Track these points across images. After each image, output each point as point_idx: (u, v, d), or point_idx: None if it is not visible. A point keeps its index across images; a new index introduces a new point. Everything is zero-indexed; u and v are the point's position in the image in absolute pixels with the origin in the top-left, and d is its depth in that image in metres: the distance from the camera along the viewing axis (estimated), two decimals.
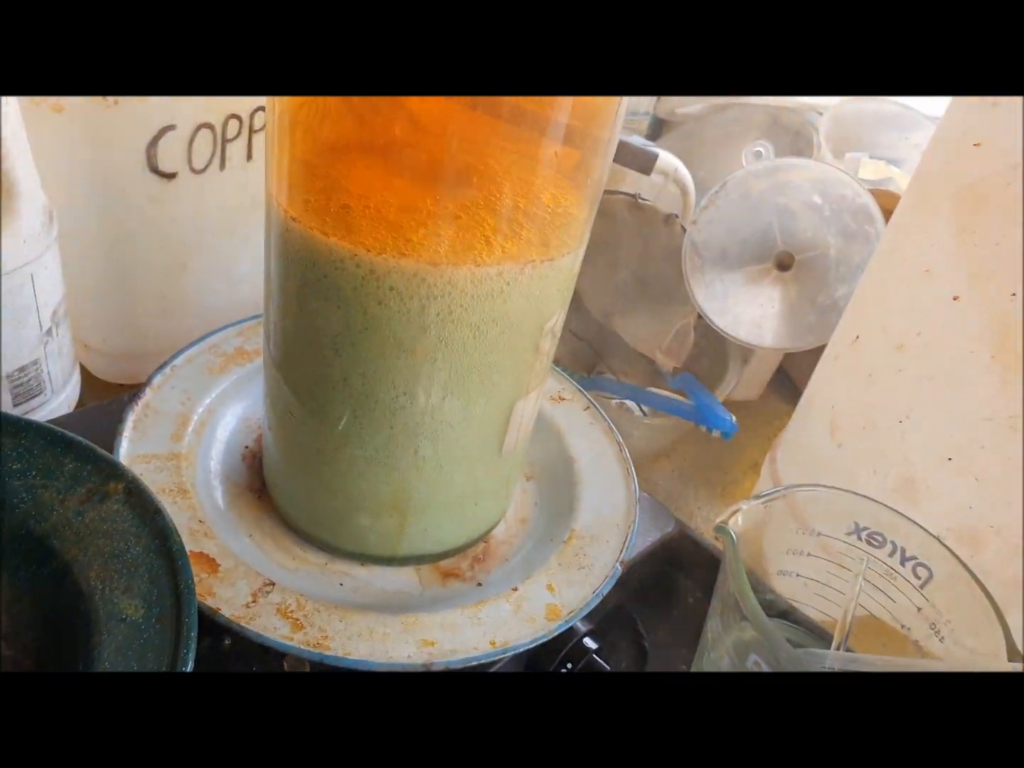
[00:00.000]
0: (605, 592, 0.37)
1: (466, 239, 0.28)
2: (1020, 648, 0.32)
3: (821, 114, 0.78)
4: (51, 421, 0.43)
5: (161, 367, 0.42)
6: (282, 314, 0.33)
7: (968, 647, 0.36)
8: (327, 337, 0.31)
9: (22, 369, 0.44)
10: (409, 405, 0.32)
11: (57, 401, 0.48)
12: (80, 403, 0.51)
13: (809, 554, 0.44)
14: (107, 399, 0.49)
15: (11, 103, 0.38)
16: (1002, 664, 0.32)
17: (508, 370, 0.33)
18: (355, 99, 0.29)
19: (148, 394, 0.40)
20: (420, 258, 0.28)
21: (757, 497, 0.41)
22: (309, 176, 0.30)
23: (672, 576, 0.50)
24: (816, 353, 0.61)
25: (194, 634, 0.29)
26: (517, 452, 0.38)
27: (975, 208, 0.38)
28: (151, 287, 0.51)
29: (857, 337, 0.44)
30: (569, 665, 0.39)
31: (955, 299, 0.39)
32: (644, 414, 0.60)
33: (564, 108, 0.28)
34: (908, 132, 0.81)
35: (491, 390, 0.33)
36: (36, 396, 0.46)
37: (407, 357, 0.30)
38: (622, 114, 0.31)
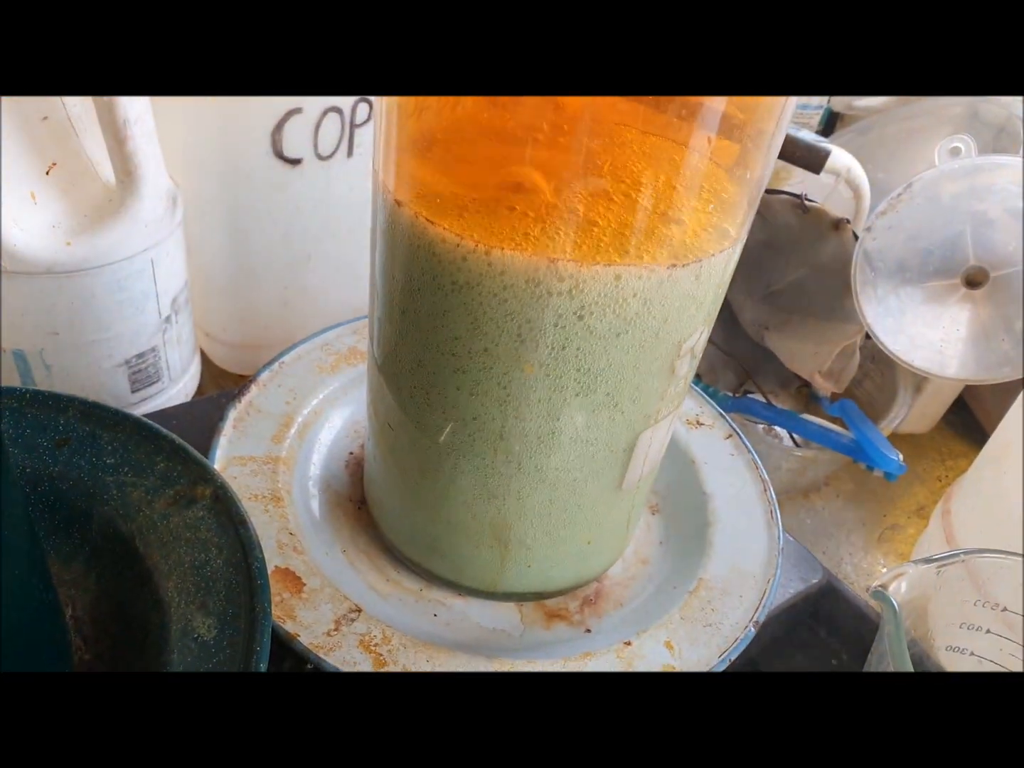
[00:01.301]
0: (733, 657, 0.32)
1: (594, 235, 0.24)
2: None
3: None
4: (163, 411, 0.42)
5: (269, 363, 0.40)
6: (386, 312, 0.29)
7: None
8: (431, 339, 0.27)
9: (140, 356, 0.44)
10: (515, 424, 0.28)
11: (175, 389, 0.47)
12: (199, 392, 0.50)
13: (988, 631, 0.37)
14: (219, 391, 0.48)
15: None
16: None
17: (635, 393, 0.28)
18: None
19: (253, 391, 0.38)
20: (538, 252, 0.24)
21: (928, 560, 0.34)
22: (422, 160, 0.26)
23: (814, 632, 0.44)
24: (1005, 386, 0.52)
25: (263, 666, 0.26)
26: (641, 488, 0.33)
27: None
28: (273, 277, 0.49)
29: None
30: None
31: None
32: (796, 444, 0.53)
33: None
34: None
35: (613, 415, 0.28)
36: (154, 383, 0.46)
37: (516, 367, 0.26)
38: (791, 106, 0.26)
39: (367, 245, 0.53)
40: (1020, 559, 0.34)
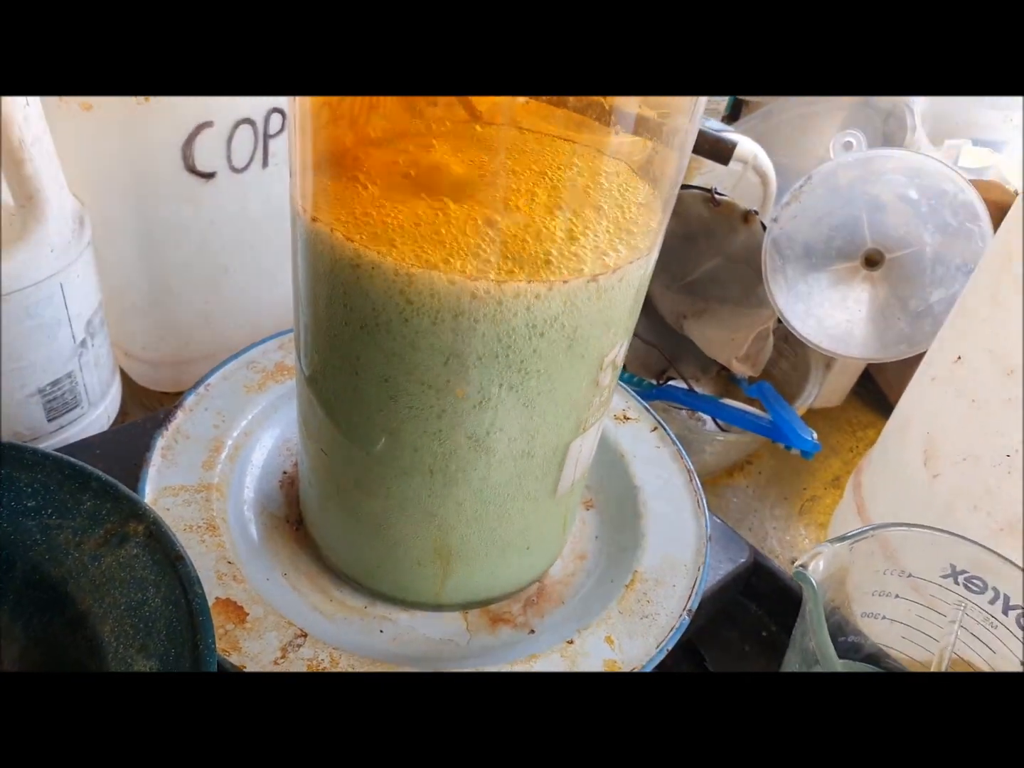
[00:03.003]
0: (671, 647, 0.33)
1: (512, 249, 0.24)
2: None
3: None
4: (84, 441, 0.41)
5: (194, 386, 0.39)
6: (311, 326, 0.29)
7: None
8: (355, 357, 0.27)
9: (55, 383, 0.42)
10: (448, 440, 0.28)
11: (96, 413, 0.46)
12: (122, 412, 0.49)
13: (898, 596, 0.39)
14: (144, 415, 0.46)
15: (32, 104, 0.36)
16: None
17: (563, 408, 0.29)
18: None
19: (179, 417, 0.37)
20: (456, 270, 0.24)
21: (842, 538, 0.36)
22: (335, 175, 0.26)
23: (744, 607, 0.46)
24: (905, 359, 0.55)
25: None
26: (575, 491, 0.34)
27: None
28: (192, 292, 0.48)
29: (959, 357, 0.39)
30: None
31: None
32: (719, 427, 0.55)
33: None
34: (1009, 111, 0.74)
35: (543, 428, 0.29)
36: (72, 409, 0.44)
37: (441, 387, 0.27)
38: (702, 104, 0.27)
39: (286, 254, 0.53)
40: (923, 530, 0.37)
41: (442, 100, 0.28)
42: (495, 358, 0.26)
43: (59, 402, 0.43)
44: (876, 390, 0.65)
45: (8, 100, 0.34)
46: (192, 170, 0.43)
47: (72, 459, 0.32)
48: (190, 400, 0.38)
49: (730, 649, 0.46)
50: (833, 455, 0.60)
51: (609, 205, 0.27)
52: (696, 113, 0.27)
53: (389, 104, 0.28)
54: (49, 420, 0.43)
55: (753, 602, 0.46)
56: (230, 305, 0.50)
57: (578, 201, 0.27)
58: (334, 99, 0.26)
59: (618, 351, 0.29)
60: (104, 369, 0.46)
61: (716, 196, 0.53)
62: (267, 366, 0.42)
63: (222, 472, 0.36)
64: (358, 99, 0.27)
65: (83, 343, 0.43)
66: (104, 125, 0.40)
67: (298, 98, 0.25)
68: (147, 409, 0.51)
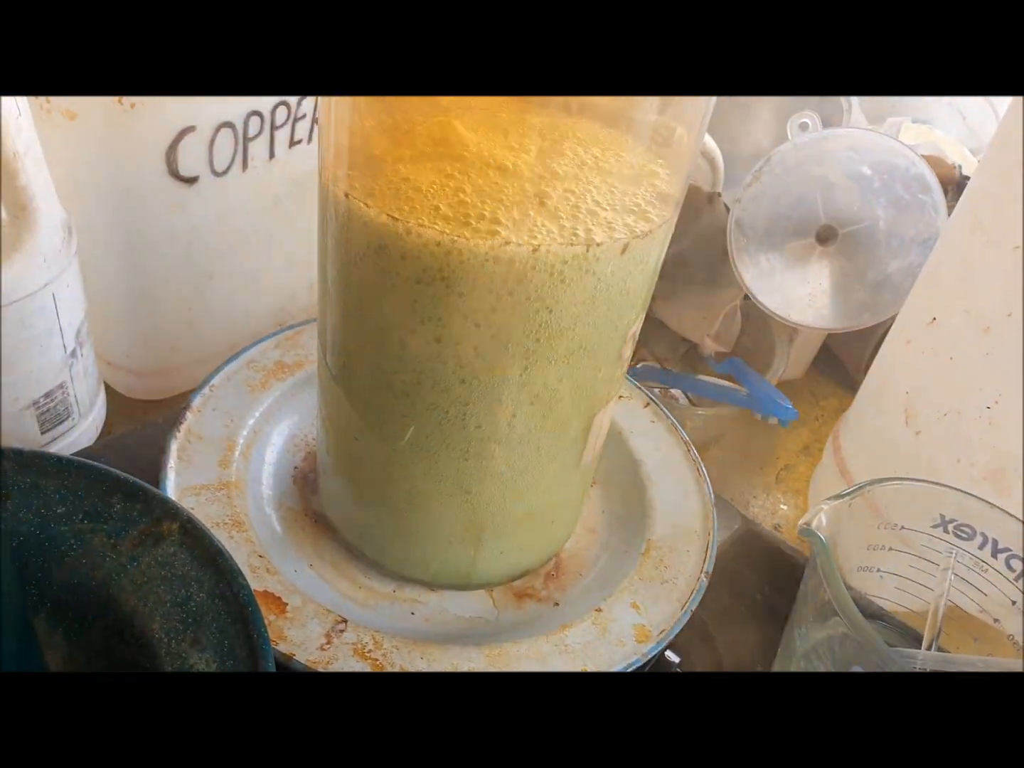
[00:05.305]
0: (694, 607, 0.35)
1: (545, 216, 0.26)
2: None
3: None
4: (84, 451, 0.41)
5: (200, 387, 0.39)
6: (341, 319, 0.30)
7: None
8: (390, 336, 0.28)
9: (48, 395, 0.42)
10: (483, 421, 0.29)
11: (85, 424, 0.45)
12: (107, 423, 0.48)
13: (890, 548, 0.42)
14: (140, 424, 0.46)
15: (23, 115, 0.35)
16: None
17: (594, 381, 0.30)
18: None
19: (189, 418, 0.37)
20: (494, 236, 0.25)
21: (839, 496, 0.39)
22: (371, 156, 0.27)
23: (739, 572, 0.48)
24: (859, 330, 0.58)
25: None
26: (593, 463, 0.35)
27: None
28: (176, 299, 0.48)
29: (934, 319, 0.41)
30: None
31: None
32: (691, 403, 0.57)
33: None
34: None
35: (577, 402, 0.30)
36: (64, 421, 0.44)
37: (480, 361, 0.27)
38: None
39: (267, 257, 0.53)
40: (913, 483, 0.39)
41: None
42: (533, 332, 0.27)
43: (51, 414, 0.42)
44: (835, 361, 0.68)
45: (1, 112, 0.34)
46: (175, 175, 0.43)
47: (96, 463, 0.32)
48: (197, 401, 0.38)
49: (728, 612, 0.48)
50: (800, 425, 0.62)
51: (635, 176, 0.28)
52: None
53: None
54: (42, 432, 0.42)
55: (746, 567, 0.48)
56: (214, 311, 0.50)
57: (614, 180, 0.28)
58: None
59: (638, 325, 0.30)
60: (92, 379, 0.46)
61: None
62: (267, 364, 0.42)
63: (238, 470, 0.37)
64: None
65: (73, 353, 0.42)
66: (88, 133, 0.40)
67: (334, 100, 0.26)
68: (130, 419, 0.51)
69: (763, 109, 0.79)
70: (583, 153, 0.28)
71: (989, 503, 0.39)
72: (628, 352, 0.31)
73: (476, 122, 0.28)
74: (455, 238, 0.25)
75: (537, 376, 0.28)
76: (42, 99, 0.39)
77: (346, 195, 0.26)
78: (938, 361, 0.41)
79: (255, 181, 0.47)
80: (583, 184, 0.27)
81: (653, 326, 0.60)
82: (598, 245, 0.26)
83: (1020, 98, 0.38)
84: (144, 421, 0.49)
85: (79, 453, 0.39)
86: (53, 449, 0.43)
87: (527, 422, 0.30)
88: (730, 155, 0.71)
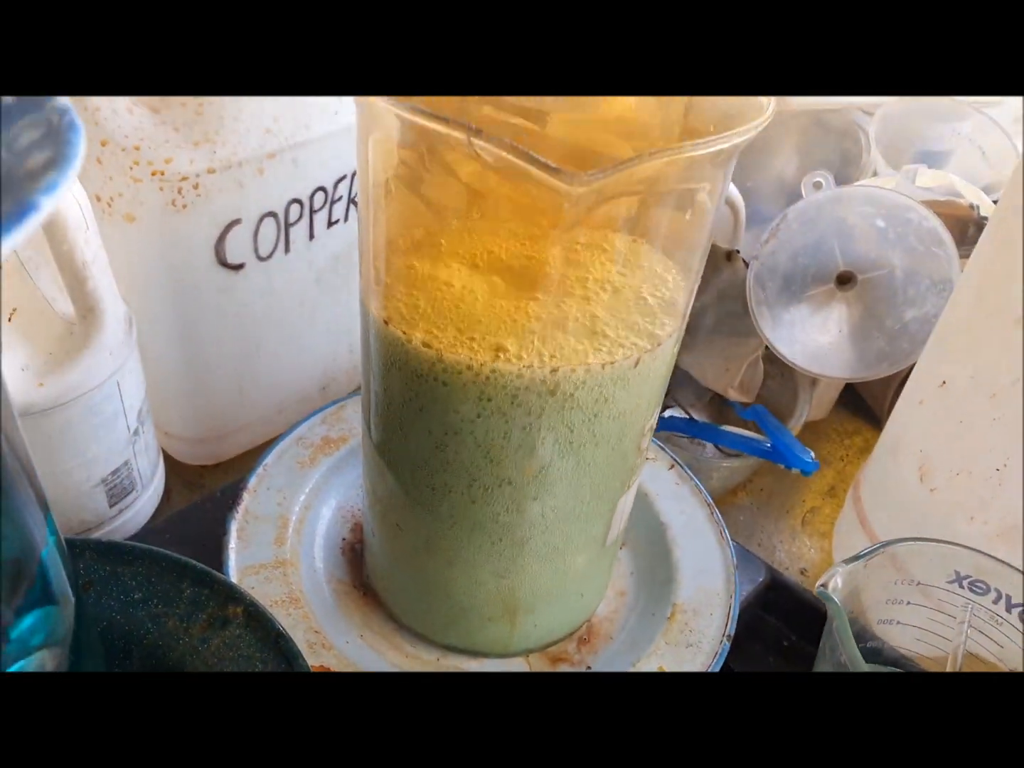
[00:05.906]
0: (716, 670, 0.37)
1: (569, 340, 0.28)
2: None
3: (869, 114, 0.76)
4: (148, 527, 0.44)
5: (254, 468, 0.42)
6: (382, 407, 0.33)
7: None
8: (427, 442, 0.31)
9: (115, 472, 0.45)
10: (516, 512, 0.32)
11: (147, 494, 0.49)
12: (166, 488, 0.52)
13: (910, 603, 0.44)
14: (197, 491, 0.49)
15: (91, 225, 0.39)
16: None
17: (613, 472, 0.33)
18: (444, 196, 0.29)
19: (246, 498, 0.41)
20: (521, 362, 0.28)
21: (856, 558, 0.40)
22: (400, 278, 0.30)
23: (765, 621, 0.50)
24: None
25: None
26: (619, 539, 0.38)
27: None
28: (227, 370, 0.51)
29: (944, 383, 0.43)
30: None
31: None
32: (719, 451, 0.59)
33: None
34: (956, 123, 0.80)
35: (598, 492, 0.33)
36: (129, 494, 0.47)
37: (512, 467, 0.30)
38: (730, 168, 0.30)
39: (308, 324, 0.56)
40: (927, 543, 0.41)
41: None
42: (558, 439, 0.30)
43: (118, 488, 0.46)
44: (858, 398, 0.69)
45: (71, 227, 0.37)
46: (224, 263, 0.46)
47: (166, 551, 0.35)
48: (252, 481, 0.42)
49: (756, 660, 0.50)
50: (825, 465, 0.64)
51: (645, 288, 0.30)
52: (722, 188, 0.30)
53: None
54: (111, 506, 0.46)
55: (773, 616, 0.50)
56: (261, 378, 0.53)
57: (620, 291, 0.30)
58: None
59: (654, 419, 0.33)
60: (152, 451, 0.49)
61: None
62: (314, 440, 0.45)
63: (292, 547, 0.40)
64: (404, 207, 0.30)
65: (136, 431, 0.46)
66: (146, 233, 0.43)
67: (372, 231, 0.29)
68: (188, 483, 0.54)
69: (779, 145, 0.80)
70: (599, 268, 0.30)
71: (1002, 561, 0.40)
72: (646, 442, 0.34)
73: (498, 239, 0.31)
74: (492, 368, 0.28)
75: (563, 474, 0.31)
76: (104, 204, 0.43)
77: (386, 322, 0.29)
78: (949, 423, 0.43)
79: (297, 261, 0.50)
80: (599, 306, 0.29)
81: (679, 375, 0.62)
82: (612, 364, 0.28)
83: (1021, 168, 0.40)
84: (200, 487, 0.53)
85: (144, 529, 0.43)
86: (120, 519, 0.47)
87: (555, 514, 0.32)
88: (750, 192, 0.73)
